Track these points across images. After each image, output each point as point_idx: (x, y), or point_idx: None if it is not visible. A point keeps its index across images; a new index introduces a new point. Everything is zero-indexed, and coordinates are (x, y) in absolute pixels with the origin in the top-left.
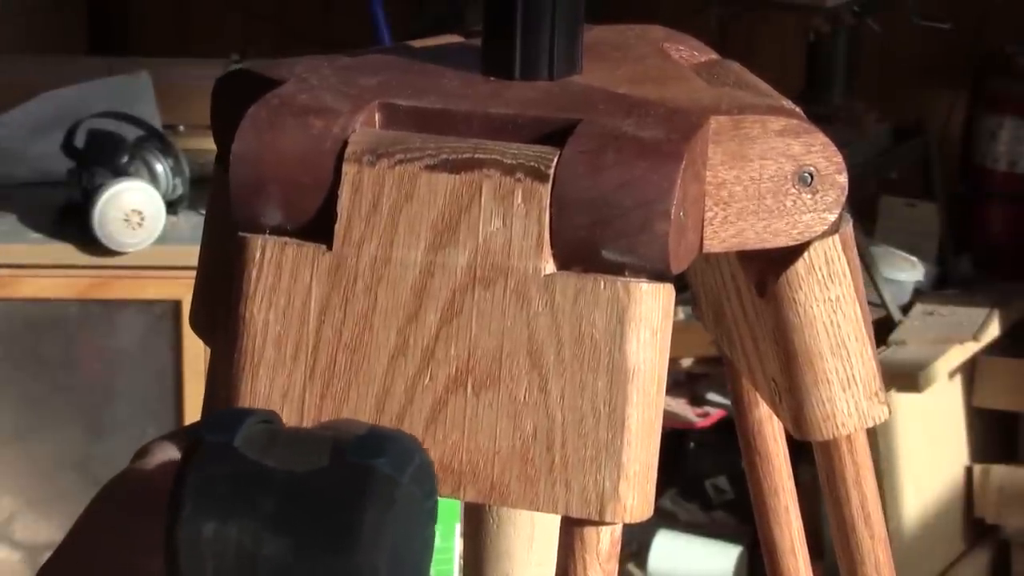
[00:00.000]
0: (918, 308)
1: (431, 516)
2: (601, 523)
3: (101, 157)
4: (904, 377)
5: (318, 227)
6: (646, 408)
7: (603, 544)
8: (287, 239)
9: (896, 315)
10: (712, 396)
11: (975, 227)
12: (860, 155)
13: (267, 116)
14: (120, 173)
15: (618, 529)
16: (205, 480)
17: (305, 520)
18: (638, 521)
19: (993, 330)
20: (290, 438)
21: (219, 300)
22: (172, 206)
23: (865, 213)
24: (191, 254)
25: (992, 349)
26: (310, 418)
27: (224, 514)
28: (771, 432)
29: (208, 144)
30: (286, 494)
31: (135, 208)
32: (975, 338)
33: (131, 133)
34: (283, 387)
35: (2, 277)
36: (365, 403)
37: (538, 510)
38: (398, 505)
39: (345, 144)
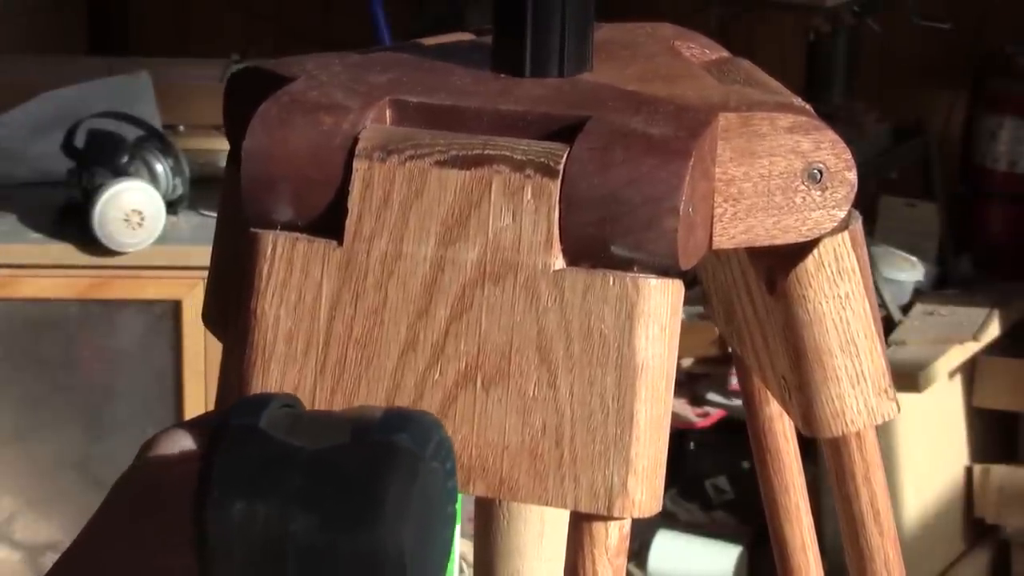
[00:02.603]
0: (918, 308)
1: (452, 494)
2: (610, 518)
3: (101, 157)
4: (904, 377)
5: (329, 223)
6: (654, 403)
7: (612, 539)
8: (298, 235)
9: (896, 315)
10: (712, 396)
11: (975, 227)
12: (860, 155)
13: (278, 113)
14: (120, 173)
15: (627, 524)
16: (233, 461)
17: (331, 495)
18: (647, 516)
19: (993, 330)
20: (313, 420)
21: (231, 296)
22: (172, 206)
23: (865, 213)
24: (191, 254)
25: (992, 349)
26: None
27: (252, 493)
28: (781, 429)
29: (208, 144)
30: (312, 471)
31: (135, 208)
32: (975, 338)
33: (131, 133)
34: (294, 382)
35: (2, 277)
36: (375, 398)
37: (547, 505)
38: (421, 479)
39: (356, 140)
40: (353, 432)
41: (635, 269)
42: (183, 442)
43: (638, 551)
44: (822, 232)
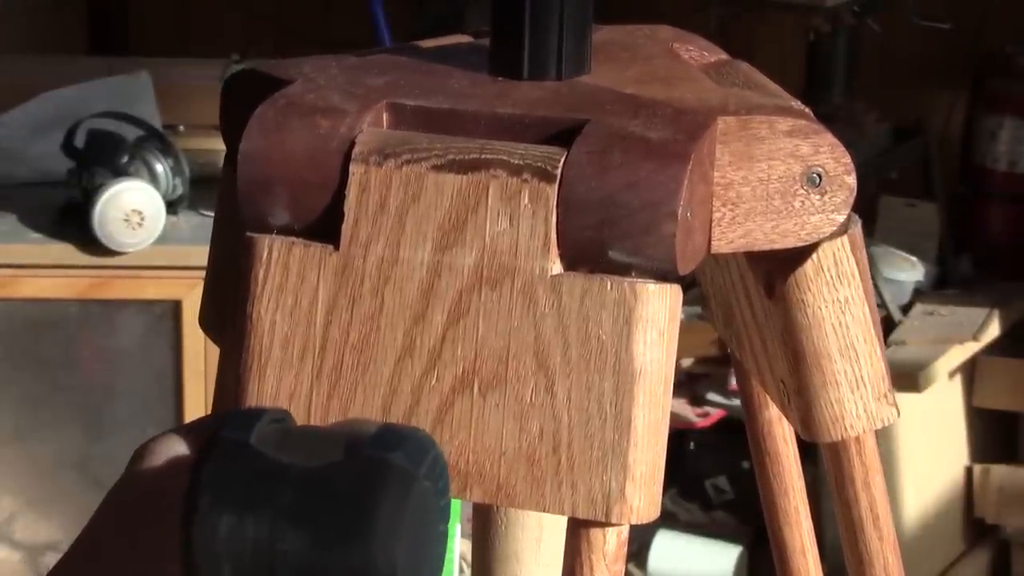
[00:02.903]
0: (918, 308)
1: (445, 513)
2: (607, 524)
3: (101, 157)
4: (904, 377)
5: (325, 227)
6: (652, 409)
7: (609, 545)
8: (294, 239)
9: (896, 315)
10: (712, 396)
11: (975, 227)
12: (860, 155)
13: (274, 116)
14: (120, 173)
15: (625, 530)
16: (221, 476)
17: (322, 512)
18: (644, 522)
19: (993, 330)
20: (304, 435)
21: (229, 299)
22: (172, 206)
23: (865, 213)
24: (191, 254)
25: (992, 349)
26: (317, 418)
27: (241, 509)
28: (781, 433)
29: (208, 144)
30: (302, 488)
31: (135, 208)
32: (975, 338)
33: (131, 133)
34: (290, 387)
35: (2, 277)
36: (372, 404)
37: (544, 511)
38: (414, 497)
39: (352, 144)
40: (346, 448)
41: (633, 274)
42: (177, 448)
43: (638, 551)
44: (821, 236)
